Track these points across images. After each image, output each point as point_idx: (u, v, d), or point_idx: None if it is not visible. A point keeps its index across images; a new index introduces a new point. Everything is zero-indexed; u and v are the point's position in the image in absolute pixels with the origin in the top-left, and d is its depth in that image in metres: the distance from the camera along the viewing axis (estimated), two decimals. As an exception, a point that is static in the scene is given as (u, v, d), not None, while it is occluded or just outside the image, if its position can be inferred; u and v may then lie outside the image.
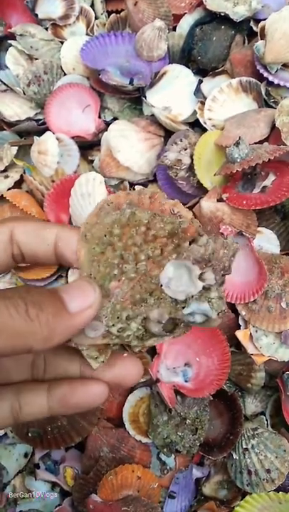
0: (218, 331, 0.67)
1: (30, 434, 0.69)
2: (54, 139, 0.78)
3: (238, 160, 0.65)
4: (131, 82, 0.77)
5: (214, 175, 0.70)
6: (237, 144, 0.65)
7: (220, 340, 0.67)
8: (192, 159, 0.72)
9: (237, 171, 0.66)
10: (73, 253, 0.37)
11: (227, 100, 0.77)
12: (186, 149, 0.72)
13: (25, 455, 0.76)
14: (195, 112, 0.79)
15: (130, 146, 0.77)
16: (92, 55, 0.81)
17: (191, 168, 0.72)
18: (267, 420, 0.72)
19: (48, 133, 0.79)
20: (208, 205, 0.70)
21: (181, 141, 0.73)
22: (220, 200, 0.70)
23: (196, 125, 0.81)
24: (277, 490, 0.66)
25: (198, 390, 0.66)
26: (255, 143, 0.70)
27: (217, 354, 0.67)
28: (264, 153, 0.64)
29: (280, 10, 0.71)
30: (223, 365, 0.67)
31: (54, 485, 0.75)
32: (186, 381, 0.68)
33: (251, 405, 0.75)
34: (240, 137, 0.65)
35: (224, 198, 0.69)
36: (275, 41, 0.71)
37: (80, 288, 0.34)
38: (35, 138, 0.79)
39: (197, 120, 0.79)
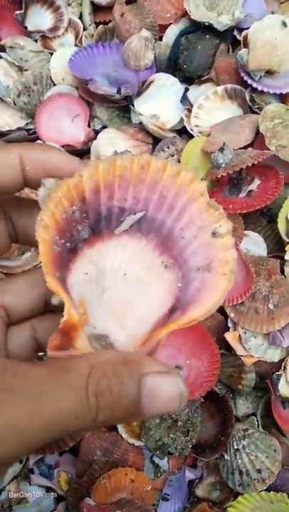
0: (207, 334, 0.68)
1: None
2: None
3: (223, 165, 0.67)
4: (118, 91, 0.79)
5: (200, 180, 0.72)
6: (221, 149, 0.66)
7: (209, 343, 0.68)
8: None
9: (222, 176, 0.68)
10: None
11: (213, 107, 0.79)
12: (173, 156, 0.74)
13: (20, 461, 0.77)
14: (182, 120, 0.80)
15: (119, 154, 0.79)
16: (81, 65, 0.83)
17: (178, 174, 0.73)
18: (258, 421, 0.73)
19: (38, 142, 0.80)
20: (195, 209, 0.71)
21: (168, 147, 0.75)
22: (207, 204, 0.71)
23: (183, 132, 0.83)
24: (268, 490, 0.67)
25: (190, 392, 0.67)
26: (240, 148, 0.72)
27: (207, 356, 0.68)
28: (248, 158, 0.66)
29: (262, 19, 0.73)
30: (213, 366, 0.68)
31: (49, 489, 0.75)
32: (176, 383, 0.69)
33: (242, 406, 0.75)
34: (224, 143, 0.67)
35: (211, 203, 0.70)
36: (257, 49, 0.72)
37: (166, 394, 0.28)
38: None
39: (184, 127, 0.80)
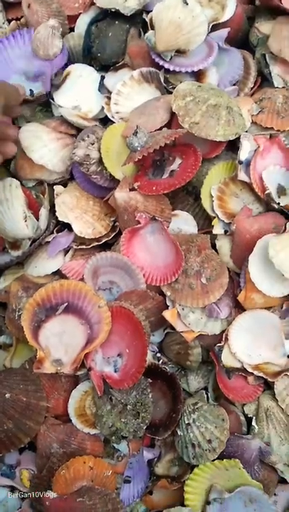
0: (139, 325, 0.69)
1: (-23, 442, 0.70)
2: None
3: (138, 148, 0.67)
4: (31, 94, 0.79)
5: (121, 165, 0.72)
6: (135, 133, 0.67)
7: (141, 334, 0.68)
8: (100, 153, 0.73)
9: (143, 158, 0.69)
10: None
11: (131, 92, 0.80)
12: (93, 144, 0.74)
13: (-18, 464, 0.77)
14: (103, 108, 0.81)
15: (43, 146, 0.79)
16: (-5, 64, 0.82)
17: (101, 161, 0.74)
18: (207, 393, 0.74)
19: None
20: (121, 195, 0.72)
21: (88, 137, 0.75)
22: (132, 189, 0.72)
23: (107, 120, 0.83)
24: (222, 458, 0.69)
25: (121, 380, 0.68)
26: (157, 129, 0.73)
27: (139, 347, 0.69)
28: (161, 138, 0.67)
29: (164, 0, 0.73)
30: (143, 357, 0.68)
31: (13, 489, 0.76)
32: (115, 371, 0.70)
33: (194, 382, 0.77)
34: (137, 126, 0.67)
35: (136, 187, 0.71)
36: (162, 30, 0.73)
37: None
38: None
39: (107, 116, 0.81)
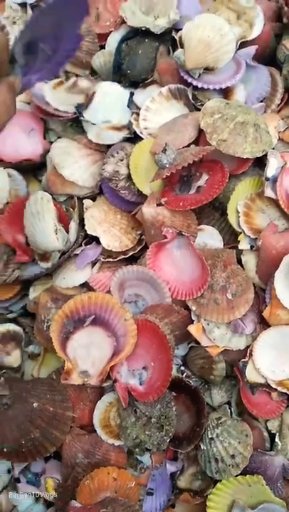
0: (164, 339, 0.70)
1: (5, 450, 0.71)
2: (5, 175, 0.82)
3: (167, 165, 0.69)
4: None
5: (150, 182, 0.74)
6: (164, 150, 0.68)
7: (166, 348, 0.69)
8: (129, 169, 0.75)
9: (170, 175, 0.70)
10: None
11: (160, 108, 0.81)
12: (122, 160, 0.76)
13: (8, 471, 0.79)
14: (131, 123, 0.82)
15: (74, 162, 0.81)
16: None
17: (129, 177, 0.76)
18: (230, 408, 0.75)
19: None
20: (148, 210, 0.73)
21: (117, 153, 0.77)
22: (160, 204, 0.73)
23: (135, 136, 0.84)
24: (245, 473, 0.69)
25: (146, 393, 0.69)
26: (185, 146, 0.74)
27: (164, 362, 0.70)
28: (189, 155, 0.68)
29: (193, 19, 0.75)
30: (168, 372, 0.69)
31: (37, 497, 0.77)
32: (140, 384, 0.71)
33: (217, 396, 0.77)
34: (166, 143, 0.69)
35: (163, 202, 0.73)
36: (192, 49, 0.74)
37: None
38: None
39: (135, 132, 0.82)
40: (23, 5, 0.94)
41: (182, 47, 0.77)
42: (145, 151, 0.76)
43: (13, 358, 0.81)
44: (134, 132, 0.83)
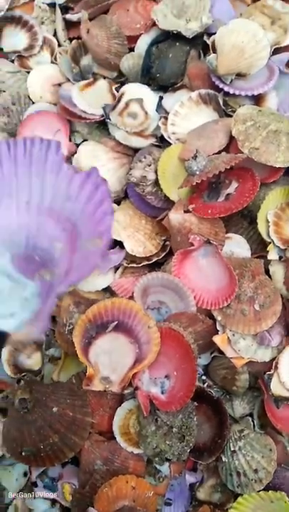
0: (189, 349, 0.69)
1: (23, 453, 0.71)
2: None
3: (197, 172, 0.68)
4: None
5: (178, 188, 0.73)
6: (195, 157, 0.67)
7: (190, 358, 0.68)
8: (157, 174, 0.74)
9: (199, 181, 0.69)
10: None
11: (189, 113, 0.80)
12: (150, 165, 0.75)
13: (25, 474, 0.78)
14: (159, 127, 0.81)
15: (101, 166, 0.80)
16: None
17: (157, 183, 0.75)
18: (253, 421, 0.73)
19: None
20: (175, 217, 0.72)
21: (145, 158, 0.76)
22: (187, 211, 0.72)
23: (162, 141, 0.83)
24: (267, 489, 0.67)
25: (168, 403, 0.68)
26: (215, 153, 0.73)
27: (188, 372, 0.69)
28: (221, 163, 0.67)
29: (227, 24, 0.74)
30: (192, 382, 0.68)
31: (54, 502, 0.77)
32: (162, 393, 0.70)
33: (239, 407, 0.76)
34: (197, 150, 0.67)
35: (190, 209, 0.71)
36: (225, 54, 0.73)
37: None
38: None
39: (163, 136, 0.81)
40: (52, 5, 0.93)
41: (215, 52, 0.76)
42: (174, 156, 0.75)
43: (34, 360, 0.80)
44: (161, 136, 0.82)
